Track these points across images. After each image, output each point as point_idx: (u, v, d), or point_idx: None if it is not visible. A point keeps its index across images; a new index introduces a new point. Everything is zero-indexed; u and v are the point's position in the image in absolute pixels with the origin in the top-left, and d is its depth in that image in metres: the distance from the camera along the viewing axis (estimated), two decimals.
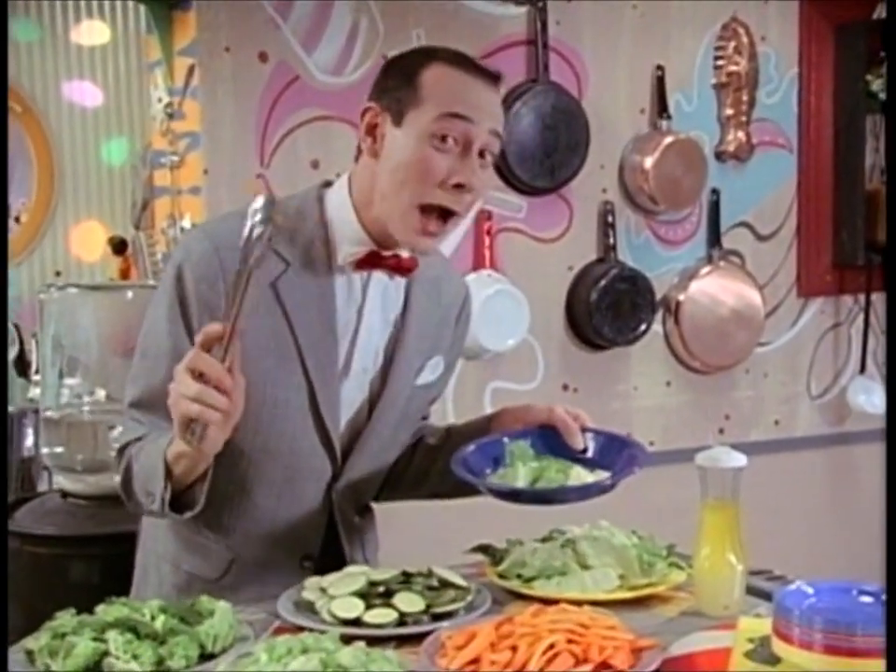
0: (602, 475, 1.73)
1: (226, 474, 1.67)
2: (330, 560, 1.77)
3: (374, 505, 1.96)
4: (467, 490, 1.75)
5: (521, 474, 1.73)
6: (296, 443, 1.71)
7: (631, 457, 1.74)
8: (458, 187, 1.59)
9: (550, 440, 1.78)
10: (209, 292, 1.63)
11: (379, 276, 1.72)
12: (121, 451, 1.70)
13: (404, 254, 1.70)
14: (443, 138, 1.58)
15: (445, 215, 1.62)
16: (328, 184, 1.75)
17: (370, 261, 1.68)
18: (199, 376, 1.42)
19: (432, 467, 1.89)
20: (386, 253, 1.69)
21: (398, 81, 1.63)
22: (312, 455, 1.73)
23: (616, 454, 1.76)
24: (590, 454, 1.78)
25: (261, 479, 1.73)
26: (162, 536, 1.82)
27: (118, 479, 1.70)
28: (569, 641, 1.36)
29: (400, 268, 1.71)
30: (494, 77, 1.65)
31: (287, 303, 1.66)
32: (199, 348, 1.43)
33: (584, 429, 1.79)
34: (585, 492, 1.69)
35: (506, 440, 1.78)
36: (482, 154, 1.62)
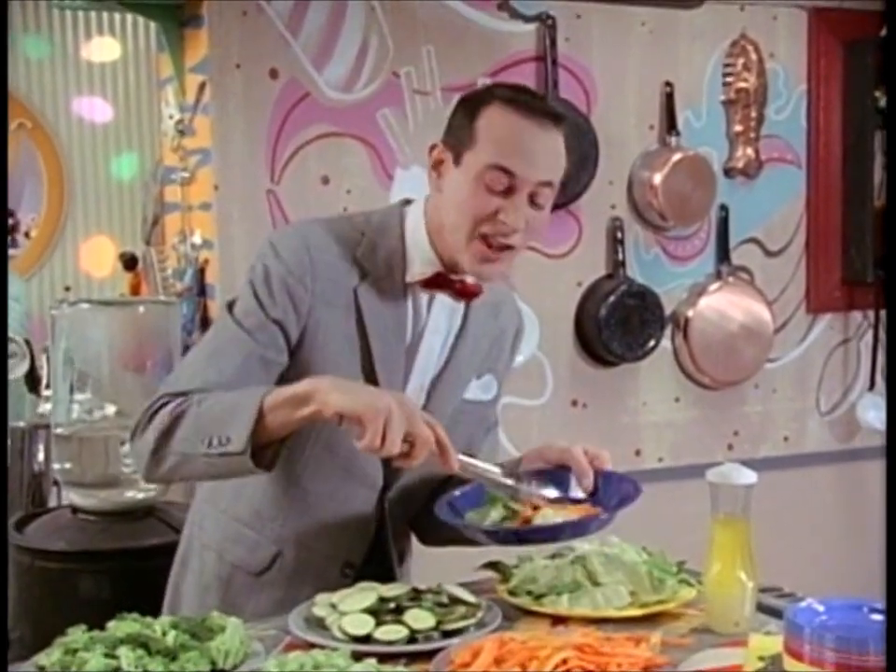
0: (588, 511, 1.71)
1: (284, 468, 1.72)
2: (372, 570, 1.79)
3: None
4: (462, 541, 1.78)
5: (493, 515, 1.73)
6: (354, 447, 1.72)
7: (624, 494, 1.72)
8: (504, 224, 1.67)
9: (551, 479, 1.77)
10: (297, 285, 1.69)
11: (443, 299, 1.78)
12: (154, 409, 1.67)
13: (469, 279, 1.76)
14: (490, 184, 1.66)
15: (503, 247, 1.69)
16: (408, 202, 1.82)
17: (436, 282, 1.76)
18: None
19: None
20: (454, 276, 1.76)
21: (460, 121, 1.70)
22: (367, 460, 1.76)
23: (612, 490, 1.75)
24: (599, 493, 1.76)
25: (317, 478, 1.77)
26: (210, 525, 1.85)
27: (154, 431, 1.65)
28: (582, 657, 1.37)
29: (465, 292, 1.78)
30: (553, 118, 1.68)
31: (364, 310, 1.73)
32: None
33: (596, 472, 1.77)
34: (567, 529, 1.67)
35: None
36: (533, 199, 1.68)
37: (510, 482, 1.70)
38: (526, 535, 1.69)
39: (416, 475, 1.81)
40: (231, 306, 1.75)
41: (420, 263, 1.74)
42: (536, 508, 1.73)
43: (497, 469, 1.71)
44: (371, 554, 1.82)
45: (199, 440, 1.61)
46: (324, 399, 1.55)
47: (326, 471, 1.77)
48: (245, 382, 1.66)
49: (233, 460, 1.58)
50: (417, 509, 1.89)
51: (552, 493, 1.74)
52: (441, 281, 1.75)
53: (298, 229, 1.81)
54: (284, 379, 1.70)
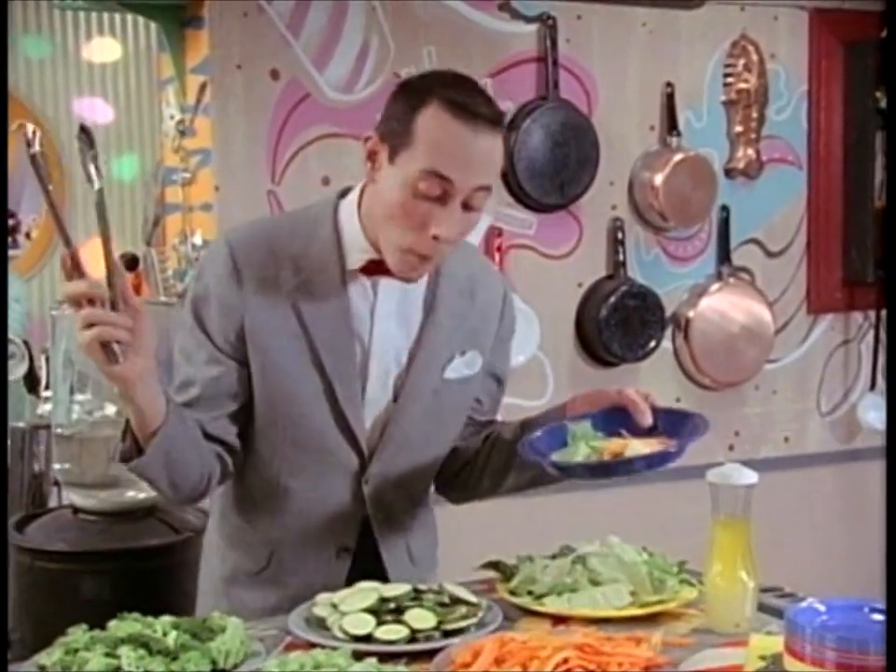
0: (667, 444, 1.73)
1: (261, 467, 1.78)
2: (369, 552, 1.82)
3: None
4: (545, 480, 1.80)
5: (581, 452, 1.74)
6: (321, 438, 1.77)
7: (694, 426, 1.75)
8: (435, 238, 1.64)
9: (616, 419, 1.79)
10: (221, 299, 1.73)
11: (389, 283, 1.76)
12: None
13: None
14: (424, 190, 1.62)
15: (428, 257, 1.68)
16: (345, 192, 1.81)
17: (374, 269, 1.75)
18: (88, 302, 1.50)
19: (511, 461, 1.89)
20: None
21: (398, 115, 1.66)
22: (338, 449, 1.78)
23: (680, 425, 1.77)
24: (659, 428, 1.78)
25: (294, 472, 1.80)
26: (213, 529, 1.92)
27: None
28: (583, 657, 1.37)
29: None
30: (493, 120, 1.65)
31: (302, 304, 1.73)
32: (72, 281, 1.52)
33: (652, 408, 1.80)
34: (650, 461, 1.69)
35: (568, 422, 1.80)
36: (467, 203, 1.65)
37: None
38: (618, 467, 1.70)
39: (397, 458, 1.82)
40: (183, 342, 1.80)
41: (356, 251, 1.74)
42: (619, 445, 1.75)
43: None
44: (365, 538, 1.83)
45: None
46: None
47: (300, 467, 1.79)
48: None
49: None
50: (417, 493, 1.91)
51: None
52: (379, 267, 1.73)
53: (224, 236, 1.82)
54: (249, 384, 1.76)
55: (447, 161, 1.61)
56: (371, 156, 1.69)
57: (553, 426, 1.81)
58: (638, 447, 1.71)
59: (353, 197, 1.77)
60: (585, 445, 1.75)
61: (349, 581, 1.75)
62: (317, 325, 1.73)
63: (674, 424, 1.78)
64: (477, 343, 1.86)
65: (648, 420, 1.77)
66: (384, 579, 1.77)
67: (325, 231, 1.75)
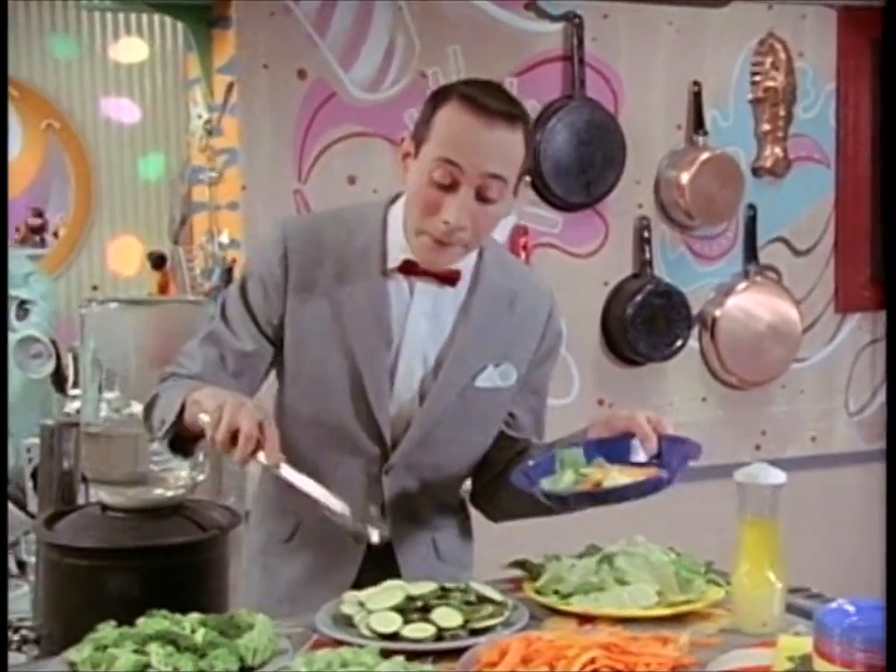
0: (650, 472, 1.72)
1: (291, 436, 1.81)
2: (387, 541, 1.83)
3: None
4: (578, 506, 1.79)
5: (565, 480, 1.74)
6: (346, 425, 1.82)
7: (686, 454, 1.74)
8: (445, 223, 1.70)
9: (613, 446, 1.80)
10: (269, 276, 1.81)
11: (425, 286, 1.81)
12: (161, 381, 1.87)
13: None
14: (436, 178, 1.70)
15: (446, 243, 1.74)
16: (397, 198, 1.87)
17: (410, 269, 1.80)
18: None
19: None
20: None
21: (425, 116, 1.75)
22: (360, 438, 1.83)
23: (674, 451, 1.76)
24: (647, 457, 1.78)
25: (318, 452, 1.84)
26: (256, 497, 2.00)
27: (145, 404, 1.89)
28: (610, 657, 1.36)
29: (439, 276, 1.81)
30: (507, 116, 1.70)
31: (341, 296, 1.79)
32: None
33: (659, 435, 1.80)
34: (635, 490, 1.68)
35: (557, 449, 1.81)
36: (481, 193, 1.69)
37: (332, 504, 1.67)
38: (598, 497, 1.71)
39: (420, 456, 1.85)
40: (224, 302, 1.89)
41: (397, 250, 1.80)
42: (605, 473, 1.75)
43: (317, 489, 1.68)
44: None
45: (157, 419, 1.79)
46: (196, 401, 1.66)
47: (322, 445, 1.85)
48: (214, 371, 1.82)
49: (163, 443, 1.77)
50: (446, 493, 1.94)
51: None
52: (413, 267, 1.80)
53: (282, 222, 1.91)
54: (280, 365, 1.84)
55: (456, 148, 1.68)
56: (404, 157, 1.78)
57: (545, 454, 1.82)
58: (617, 476, 1.71)
59: (402, 200, 1.84)
60: (573, 472, 1.75)
61: (366, 563, 1.82)
62: (353, 316, 1.79)
63: (668, 450, 1.77)
64: (513, 356, 1.88)
65: (652, 448, 1.77)
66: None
67: (371, 229, 1.82)
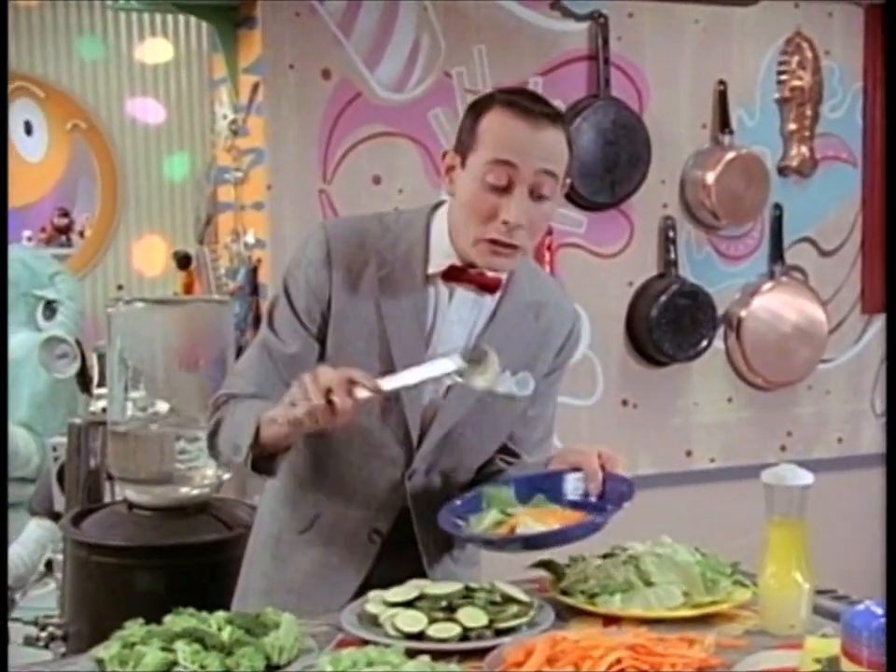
0: (581, 517, 1.72)
1: (322, 440, 1.82)
2: (404, 539, 1.86)
3: None
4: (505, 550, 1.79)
5: (488, 521, 1.74)
6: (375, 425, 1.83)
7: (622, 495, 1.73)
8: (505, 223, 1.73)
9: (554, 482, 1.80)
10: (315, 274, 1.82)
11: (464, 293, 1.84)
12: (216, 405, 1.87)
13: (488, 273, 1.83)
14: (491, 181, 1.73)
15: (508, 245, 1.76)
16: (439, 205, 1.89)
17: (455, 275, 1.82)
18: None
19: None
20: (472, 271, 1.82)
21: (466, 128, 1.78)
22: (388, 441, 1.85)
23: (612, 492, 1.76)
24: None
25: (346, 450, 1.86)
26: (268, 487, 1.99)
27: (207, 431, 1.88)
28: (636, 657, 1.36)
29: (483, 284, 1.83)
30: (551, 116, 1.75)
31: (382, 297, 1.82)
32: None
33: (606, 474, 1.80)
34: (554, 537, 1.68)
35: (485, 487, 1.83)
36: (534, 191, 1.73)
37: (446, 368, 1.70)
38: (503, 543, 1.71)
39: (438, 459, 1.86)
40: (271, 309, 1.89)
41: (439, 256, 1.83)
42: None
43: (424, 369, 1.71)
44: (401, 526, 1.87)
45: (228, 445, 1.81)
46: (272, 419, 1.68)
47: (350, 445, 1.86)
48: (272, 383, 1.82)
49: (244, 467, 1.76)
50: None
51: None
52: (459, 273, 1.82)
53: (324, 223, 1.94)
54: (322, 361, 1.83)
55: (508, 148, 1.72)
56: (449, 171, 1.81)
57: (474, 492, 1.83)
58: (530, 523, 1.70)
59: (444, 209, 1.86)
60: (498, 512, 1.75)
61: (378, 561, 1.84)
62: (393, 319, 1.81)
63: (610, 490, 1.76)
64: (533, 366, 1.89)
65: (596, 488, 1.78)
66: (419, 566, 1.84)
67: (415, 234, 1.84)
